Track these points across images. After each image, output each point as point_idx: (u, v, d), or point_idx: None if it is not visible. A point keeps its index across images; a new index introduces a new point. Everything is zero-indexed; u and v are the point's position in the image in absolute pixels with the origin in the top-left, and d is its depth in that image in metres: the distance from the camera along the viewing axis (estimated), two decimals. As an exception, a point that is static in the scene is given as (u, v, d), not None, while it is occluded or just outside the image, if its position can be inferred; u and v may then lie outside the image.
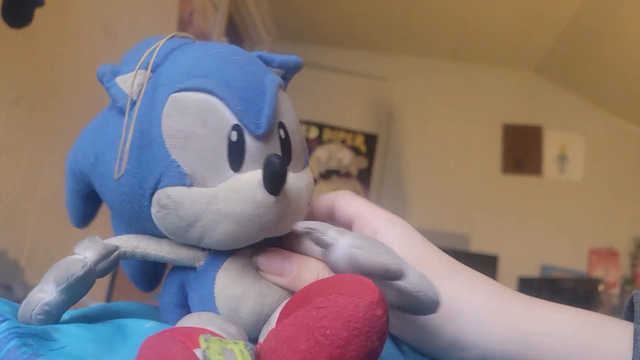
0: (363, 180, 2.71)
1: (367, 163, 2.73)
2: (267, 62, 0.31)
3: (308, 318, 0.22)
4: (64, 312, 0.26)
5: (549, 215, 2.76)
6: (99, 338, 0.25)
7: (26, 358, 0.22)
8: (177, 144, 0.26)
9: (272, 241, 0.29)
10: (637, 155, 2.84)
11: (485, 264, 2.46)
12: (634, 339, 0.23)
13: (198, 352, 0.20)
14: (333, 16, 2.65)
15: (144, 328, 0.28)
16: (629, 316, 0.27)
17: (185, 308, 0.29)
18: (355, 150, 2.75)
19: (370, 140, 2.76)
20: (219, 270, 0.28)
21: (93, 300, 1.28)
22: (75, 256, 0.26)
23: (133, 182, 0.27)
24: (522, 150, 2.81)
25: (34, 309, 0.25)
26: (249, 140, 0.26)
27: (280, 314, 0.25)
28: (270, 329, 0.24)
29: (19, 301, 0.26)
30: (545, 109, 2.89)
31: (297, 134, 0.30)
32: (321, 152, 2.75)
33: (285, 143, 0.28)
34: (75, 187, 0.32)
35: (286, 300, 0.26)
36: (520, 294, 0.28)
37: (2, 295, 0.31)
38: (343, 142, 2.75)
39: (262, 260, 0.28)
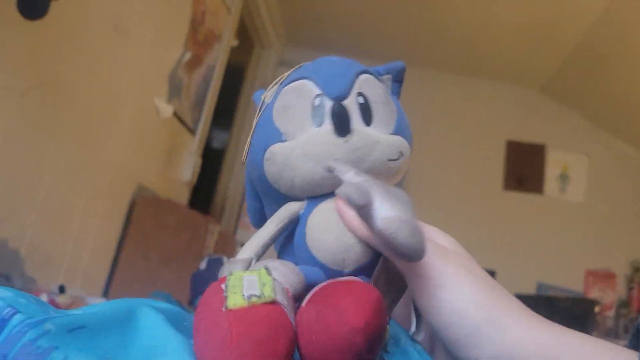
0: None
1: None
2: (378, 73, 0.40)
3: (311, 314, 0.26)
4: None
5: (547, 233, 2.76)
6: (118, 316, 0.27)
7: (41, 353, 0.21)
8: (279, 115, 0.36)
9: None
10: (637, 179, 2.84)
11: (482, 280, 2.44)
12: None
13: (223, 285, 0.26)
14: (343, 23, 2.66)
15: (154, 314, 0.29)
16: (634, 344, 0.27)
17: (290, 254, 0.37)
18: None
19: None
20: (312, 211, 0.35)
21: (91, 296, 1.28)
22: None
23: (254, 153, 0.37)
24: (524, 167, 2.82)
25: None
26: (327, 103, 0.35)
27: (312, 295, 0.29)
28: (303, 303, 0.29)
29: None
30: (550, 128, 2.89)
31: (380, 105, 0.37)
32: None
33: (365, 107, 0.36)
34: (249, 189, 0.41)
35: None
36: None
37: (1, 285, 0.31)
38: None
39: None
